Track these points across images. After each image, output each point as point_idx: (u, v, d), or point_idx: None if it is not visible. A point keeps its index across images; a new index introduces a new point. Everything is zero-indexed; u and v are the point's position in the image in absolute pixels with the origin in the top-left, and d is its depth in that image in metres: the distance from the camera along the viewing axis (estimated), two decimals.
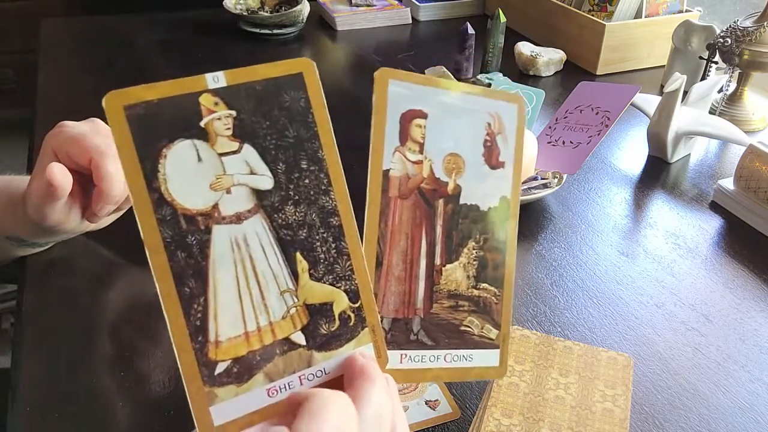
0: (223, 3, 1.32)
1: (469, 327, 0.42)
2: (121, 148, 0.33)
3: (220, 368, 0.34)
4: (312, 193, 0.37)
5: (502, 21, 1.13)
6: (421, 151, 0.41)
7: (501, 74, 1.12)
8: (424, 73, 1.06)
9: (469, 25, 1.13)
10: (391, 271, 0.40)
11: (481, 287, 0.43)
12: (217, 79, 0.35)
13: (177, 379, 0.54)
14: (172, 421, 0.52)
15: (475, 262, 0.43)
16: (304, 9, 1.32)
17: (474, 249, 0.43)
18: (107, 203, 0.58)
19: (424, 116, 0.41)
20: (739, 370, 0.60)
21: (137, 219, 0.33)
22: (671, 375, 0.59)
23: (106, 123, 0.33)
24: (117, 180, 0.56)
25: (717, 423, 0.55)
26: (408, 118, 0.40)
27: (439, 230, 0.42)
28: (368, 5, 1.42)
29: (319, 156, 0.37)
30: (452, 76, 1.09)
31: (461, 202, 0.42)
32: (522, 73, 1.21)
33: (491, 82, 1.01)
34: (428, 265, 0.41)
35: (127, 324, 0.62)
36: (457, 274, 0.42)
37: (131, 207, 0.33)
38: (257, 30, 1.30)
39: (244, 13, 1.31)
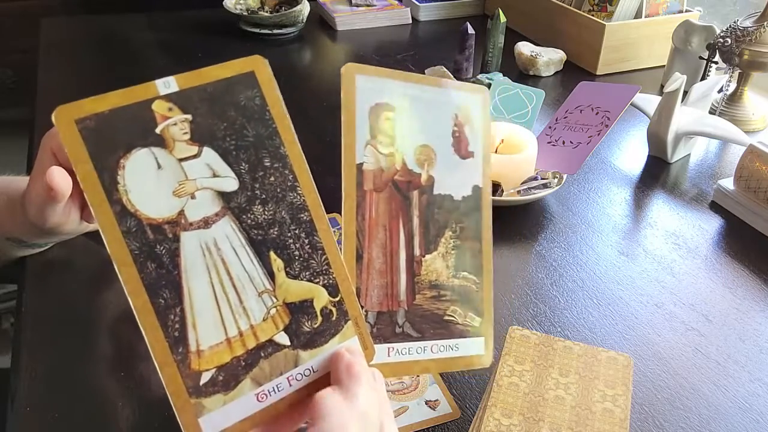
0: (223, 3, 1.32)
1: (453, 316, 0.42)
2: (76, 163, 0.32)
3: (205, 378, 0.33)
4: (279, 190, 0.36)
5: (502, 21, 1.13)
6: (392, 144, 0.41)
7: (501, 74, 1.12)
8: (424, 74, 1.06)
9: (469, 25, 1.13)
10: (372, 264, 0.40)
11: (461, 276, 0.43)
12: (168, 84, 0.34)
13: None
14: (172, 421, 0.52)
15: (453, 252, 0.43)
16: (304, 9, 1.32)
17: (451, 238, 0.43)
18: None
19: (392, 109, 0.41)
20: (739, 370, 0.60)
21: (101, 234, 0.32)
22: (671, 375, 0.59)
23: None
24: None
25: (717, 423, 0.55)
26: (377, 111, 0.41)
27: (416, 221, 0.42)
28: (368, 5, 1.42)
29: (281, 152, 0.36)
30: (452, 76, 1.09)
31: (435, 192, 0.43)
32: (522, 73, 1.21)
33: (491, 82, 1.01)
34: (408, 257, 0.41)
35: (127, 324, 0.61)
36: (436, 264, 0.42)
37: None
38: (257, 30, 1.30)
39: (244, 13, 1.31)
